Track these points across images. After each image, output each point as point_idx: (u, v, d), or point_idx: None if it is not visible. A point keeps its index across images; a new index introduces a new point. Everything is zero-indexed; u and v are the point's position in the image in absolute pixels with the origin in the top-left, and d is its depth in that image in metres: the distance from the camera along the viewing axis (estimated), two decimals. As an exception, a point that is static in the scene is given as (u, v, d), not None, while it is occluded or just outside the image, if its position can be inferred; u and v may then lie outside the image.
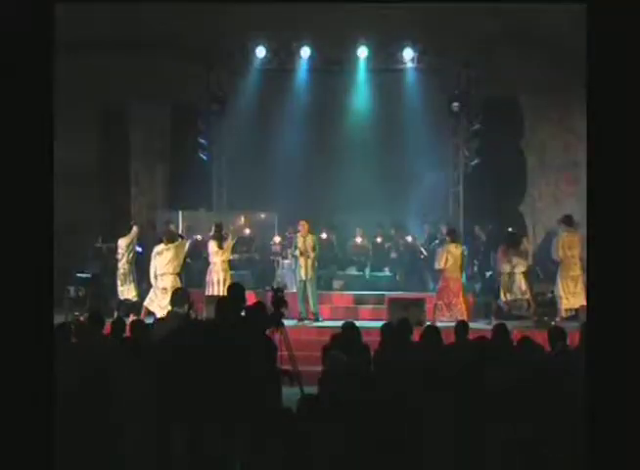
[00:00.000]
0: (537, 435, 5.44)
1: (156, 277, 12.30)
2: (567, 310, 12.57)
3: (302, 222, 13.11)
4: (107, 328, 7.39)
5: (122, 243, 13.11)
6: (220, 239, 12.90)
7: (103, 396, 5.74)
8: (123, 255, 13.10)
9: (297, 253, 12.97)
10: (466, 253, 14.34)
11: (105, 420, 5.65)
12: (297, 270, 13.12)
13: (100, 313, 7.79)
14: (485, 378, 5.79)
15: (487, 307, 13.34)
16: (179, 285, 11.91)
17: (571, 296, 12.49)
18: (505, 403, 5.52)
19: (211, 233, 13.10)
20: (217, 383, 5.68)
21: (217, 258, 12.86)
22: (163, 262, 12.30)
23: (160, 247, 12.40)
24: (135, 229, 13.25)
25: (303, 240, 12.99)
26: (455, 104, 15.63)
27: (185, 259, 13.05)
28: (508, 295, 12.83)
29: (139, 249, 13.47)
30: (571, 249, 12.54)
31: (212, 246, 12.93)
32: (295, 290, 13.21)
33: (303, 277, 12.91)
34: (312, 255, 12.90)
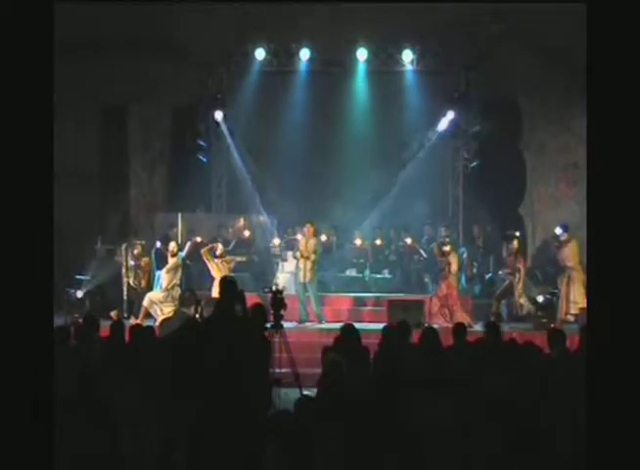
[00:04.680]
0: (538, 437, 5.43)
1: (173, 288, 12.80)
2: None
3: (308, 225, 13.12)
4: (105, 331, 7.39)
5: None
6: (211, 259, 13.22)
7: (98, 398, 5.73)
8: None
9: (298, 254, 12.97)
10: (465, 255, 14.36)
11: (101, 422, 5.64)
12: (297, 272, 13.13)
13: (95, 316, 7.83)
14: (485, 381, 5.79)
15: (487, 310, 13.32)
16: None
17: None
18: (505, 406, 5.51)
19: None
20: (213, 383, 5.69)
21: (215, 274, 13.06)
22: (180, 275, 12.99)
23: (174, 261, 12.95)
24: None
25: (305, 242, 12.99)
26: (451, 112, 15.64)
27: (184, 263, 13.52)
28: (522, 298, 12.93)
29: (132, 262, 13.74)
30: (580, 253, 12.58)
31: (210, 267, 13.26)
32: (293, 292, 13.20)
33: (302, 279, 12.90)
34: (313, 257, 12.87)
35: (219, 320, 6.12)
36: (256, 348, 6.03)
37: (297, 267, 13.11)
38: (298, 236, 14.49)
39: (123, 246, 13.68)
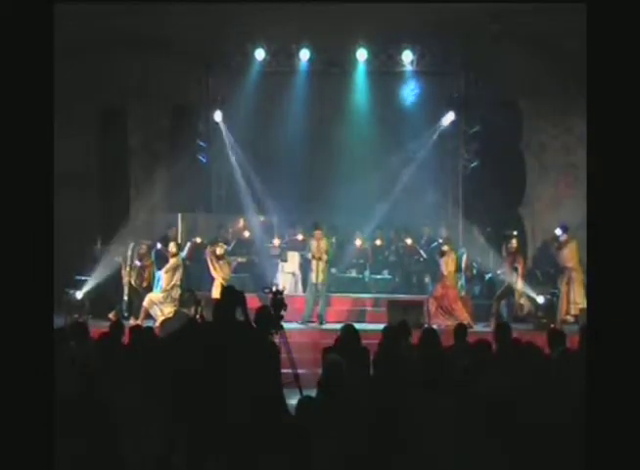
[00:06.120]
0: (538, 437, 5.42)
1: (172, 288, 12.89)
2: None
3: (318, 228, 13.24)
4: (96, 332, 7.45)
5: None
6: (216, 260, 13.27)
7: (98, 398, 5.73)
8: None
9: (310, 256, 13.07)
10: (464, 256, 14.36)
11: (101, 422, 5.64)
12: (308, 273, 13.23)
13: (83, 322, 7.89)
14: (485, 381, 5.78)
15: (487, 310, 13.33)
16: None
17: None
18: (505, 406, 5.50)
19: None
20: (217, 385, 5.69)
21: (215, 274, 13.03)
22: (179, 276, 13.02)
23: (174, 261, 13.03)
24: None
25: (317, 243, 13.07)
26: (451, 113, 15.63)
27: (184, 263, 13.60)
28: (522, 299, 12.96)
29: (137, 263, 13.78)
30: (580, 254, 12.61)
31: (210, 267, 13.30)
32: (293, 292, 13.24)
33: (314, 280, 12.99)
34: (325, 258, 13.01)
35: (219, 323, 6.11)
36: (260, 350, 6.03)
37: (310, 268, 13.19)
38: (299, 236, 14.51)
39: (130, 245, 13.70)
